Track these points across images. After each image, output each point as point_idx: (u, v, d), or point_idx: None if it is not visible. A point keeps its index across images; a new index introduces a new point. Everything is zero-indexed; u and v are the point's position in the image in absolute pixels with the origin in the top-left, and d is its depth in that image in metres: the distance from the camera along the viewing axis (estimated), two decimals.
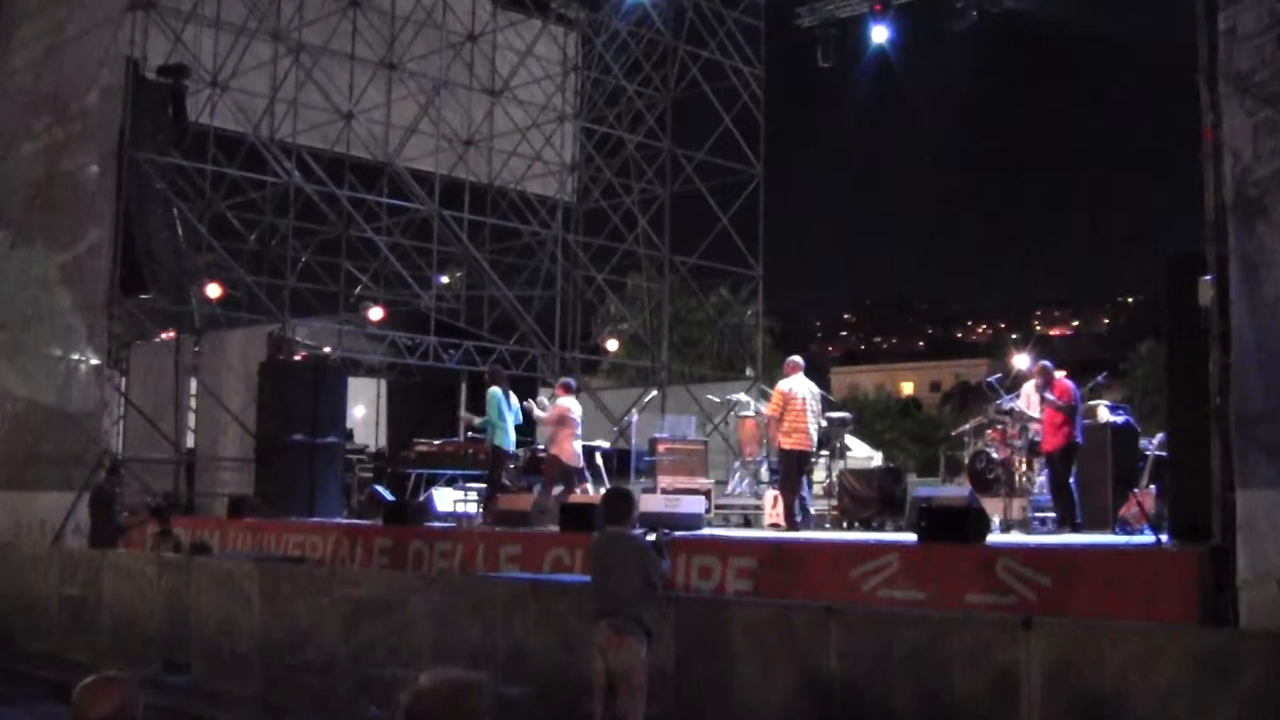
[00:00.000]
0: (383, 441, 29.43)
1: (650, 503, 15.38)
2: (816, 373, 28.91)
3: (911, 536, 11.90)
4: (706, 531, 15.31)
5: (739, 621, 9.54)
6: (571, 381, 19.74)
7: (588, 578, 10.31)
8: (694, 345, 45.37)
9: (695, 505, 15.81)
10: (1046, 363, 16.72)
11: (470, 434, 22.41)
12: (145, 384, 25.56)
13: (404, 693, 3.64)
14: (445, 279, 33.66)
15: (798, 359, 17.73)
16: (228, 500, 20.59)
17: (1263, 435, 9.01)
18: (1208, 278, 9.79)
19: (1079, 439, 15.66)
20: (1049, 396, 15.75)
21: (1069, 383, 16.00)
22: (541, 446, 19.46)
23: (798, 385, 16.85)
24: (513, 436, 18.83)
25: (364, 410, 29.96)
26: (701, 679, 9.71)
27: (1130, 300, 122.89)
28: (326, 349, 24.74)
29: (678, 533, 14.11)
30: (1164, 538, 11.17)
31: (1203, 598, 9.13)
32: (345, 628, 12.93)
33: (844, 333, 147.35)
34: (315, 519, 19.01)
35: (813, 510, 17.48)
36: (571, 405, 18.52)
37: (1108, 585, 9.65)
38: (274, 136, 25.71)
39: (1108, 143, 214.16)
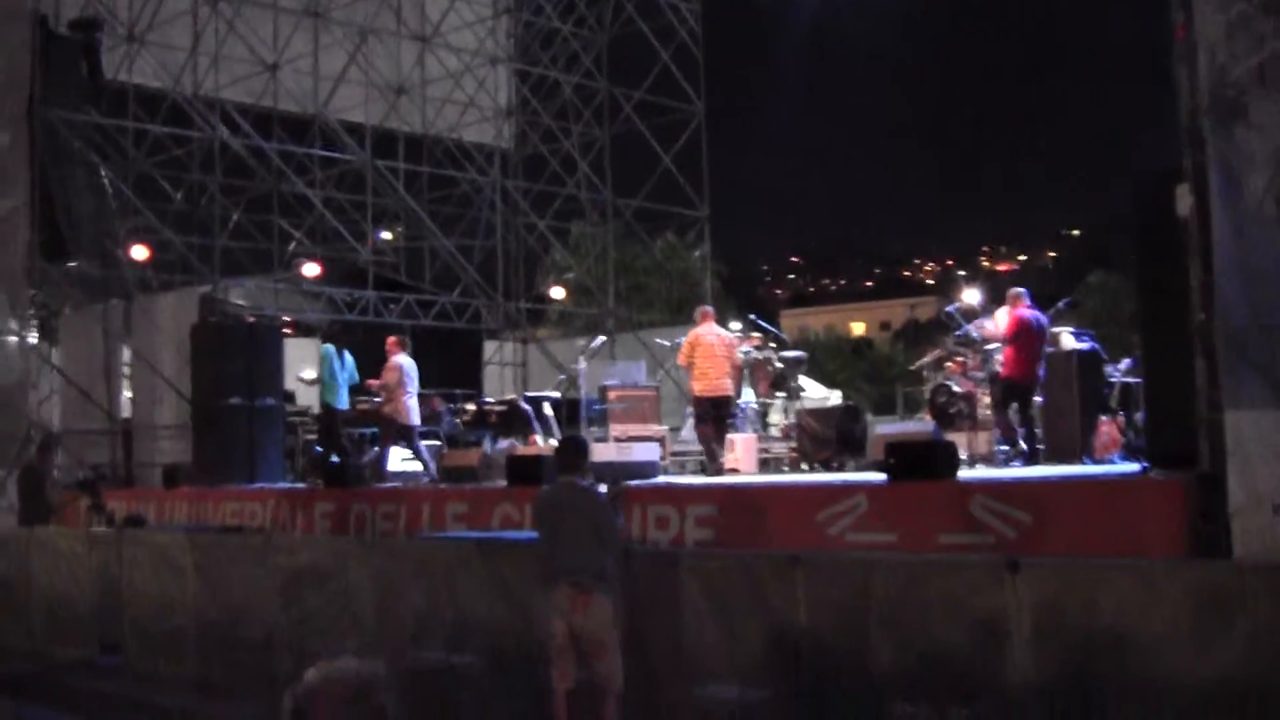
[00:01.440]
0: None
1: (602, 452, 14.71)
2: (767, 315, 28.38)
3: (875, 476, 11.27)
4: (662, 479, 14.63)
5: (697, 575, 8.85)
6: (405, 338, 19.41)
7: (535, 534, 9.65)
8: (642, 291, 44.66)
9: (649, 452, 15.14)
10: (1019, 289, 16.07)
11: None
12: (77, 354, 24.78)
13: (288, 692, 2.95)
14: (387, 234, 32.83)
15: (708, 307, 17.84)
16: (161, 470, 19.77)
17: (1252, 353, 8.38)
18: (1184, 186, 9.13)
19: (1018, 375, 15.20)
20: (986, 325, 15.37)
21: (1022, 313, 15.32)
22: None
23: (706, 332, 16.84)
24: (345, 396, 19.16)
25: (313, 373, 29.03)
26: (657, 639, 9.04)
27: (1075, 233, 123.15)
28: (263, 310, 23.83)
29: (632, 482, 13.53)
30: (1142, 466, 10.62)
31: (1190, 528, 8.56)
32: (284, 599, 12.19)
33: (791, 275, 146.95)
34: (255, 485, 18.18)
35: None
36: (404, 362, 18.29)
37: (1089, 519, 9.07)
38: (197, 92, 24.66)
39: (1053, 66, 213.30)
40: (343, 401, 19.12)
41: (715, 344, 16.77)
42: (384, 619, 11.13)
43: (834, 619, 8.13)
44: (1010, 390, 15.20)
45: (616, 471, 13.91)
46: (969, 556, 8.56)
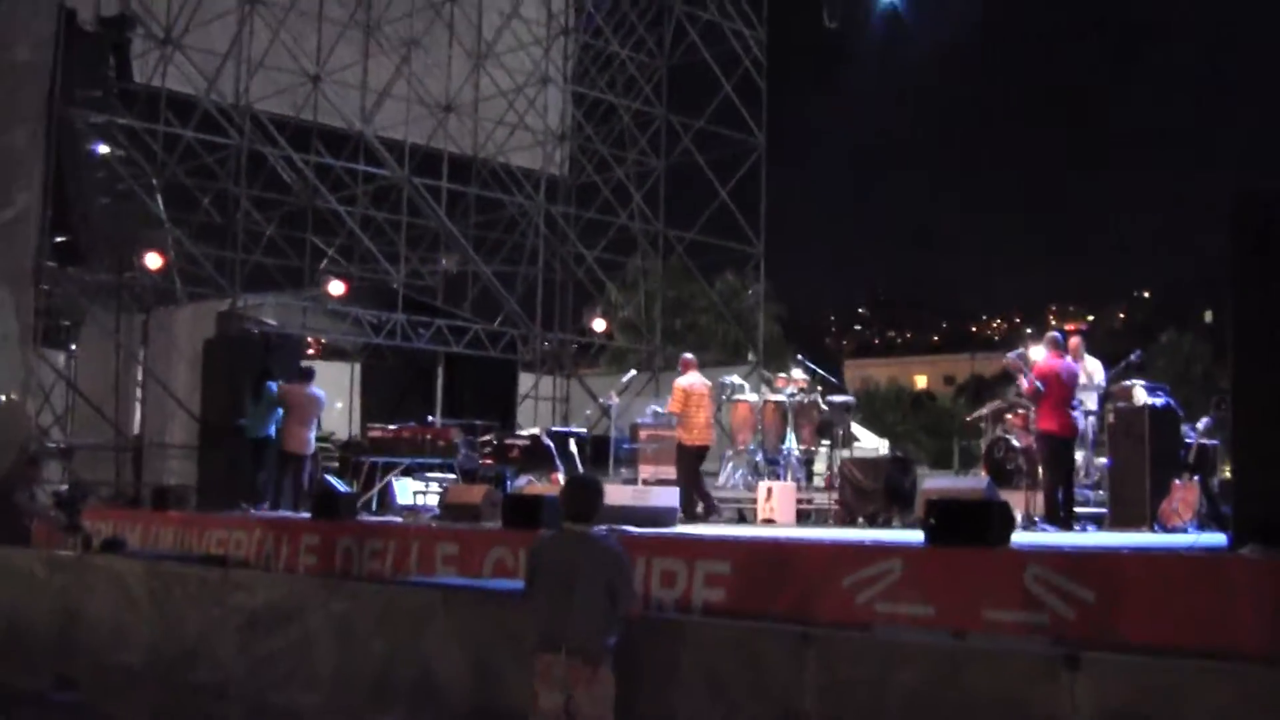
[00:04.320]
0: (356, 430, 27.37)
1: (616, 495, 13.21)
2: (830, 364, 27.07)
3: (916, 537, 9.72)
4: (678, 529, 13.13)
5: (691, 647, 7.36)
6: (311, 368, 19.34)
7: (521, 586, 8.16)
8: (697, 330, 43.33)
9: (668, 498, 13.59)
10: (1055, 334, 14.64)
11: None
12: (92, 366, 23.81)
13: None
14: (446, 261, 31.72)
15: (690, 356, 17.82)
16: (152, 491, 18.53)
17: None
18: None
19: (1056, 430, 13.82)
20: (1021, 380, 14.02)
21: (1057, 363, 13.93)
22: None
23: (696, 382, 16.85)
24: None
25: (341, 405, 27.83)
26: (645, 715, 7.55)
27: (1146, 295, 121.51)
28: (284, 329, 22.62)
29: (648, 530, 12.07)
30: (1225, 539, 9.06)
31: None
32: (240, 641, 10.83)
33: (858, 326, 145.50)
34: (248, 513, 16.82)
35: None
36: (297, 391, 18.18)
37: (1165, 601, 7.47)
38: (237, 103, 23.51)
39: (1135, 123, 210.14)
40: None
41: (706, 394, 16.86)
42: (343, 672, 9.72)
43: (849, 711, 6.62)
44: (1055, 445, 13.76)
45: (630, 518, 12.47)
46: (1015, 646, 6.97)
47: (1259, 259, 8.49)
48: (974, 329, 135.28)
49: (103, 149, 21.86)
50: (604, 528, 11.61)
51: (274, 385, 18.28)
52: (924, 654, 6.60)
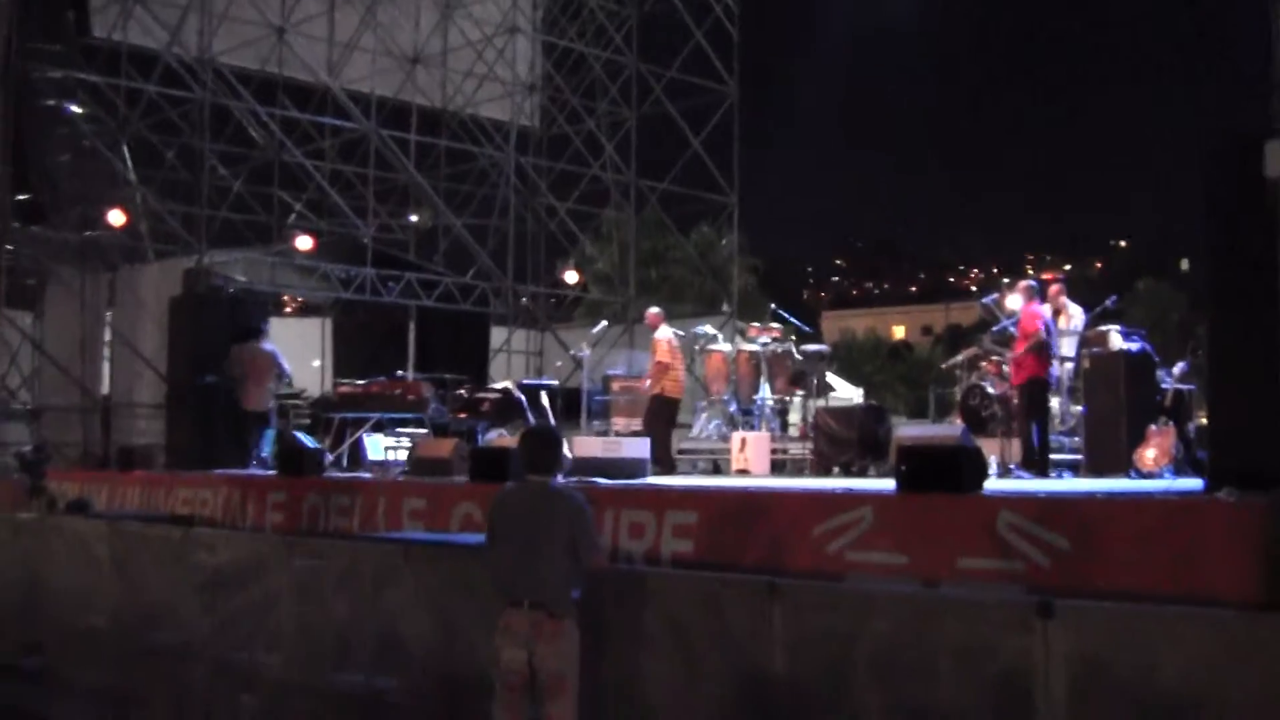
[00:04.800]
0: (329, 387, 27.08)
1: (587, 447, 13.02)
2: (808, 316, 26.86)
3: (889, 484, 9.53)
4: (648, 480, 12.93)
5: (656, 600, 7.16)
6: (261, 325, 19.27)
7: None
8: (670, 283, 43.08)
9: (639, 449, 13.38)
10: (1030, 282, 14.56)
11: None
12: (60, 327, 23.48)
13: None
14: (418, 218, 31.39)
15: (657, 309, 17.62)
16: (117, 451, 18.28)
17: None
18: (1276, 143, 7.39)
19: (1042, 375, 14.01)
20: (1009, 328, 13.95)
21: (1038, 309, 14.06)
22: None
23: (671, 334, 16.92)
24: None
25: (317, 363, 27.49)
26: (607, 676, 7.36)
27: (1123, 244, 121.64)
28: (252, 285, 22.31)
29: (618, 481, 11.89)
30: (1201, 484, 8.89)
31: (1271, 563, 6.80)
32: (203, 601, 10.64)
33: (836, 278, 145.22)
34: (212, 471, 16.59)
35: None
36: (250, 349, 18.33)
37: (1142, 548, 7.29)
38: (202, 56, 22.99)
39: (1110, 73, 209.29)
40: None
41: (680, 346, 17.02)
42: (305, 630, 9.53)
43: (818, 665, 6.44)
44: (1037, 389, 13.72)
45: (602, 470, 12.29)
46: (988, 595, 6.78)
47: (1234, 200, 8.29)
48: (951, 279, 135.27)
49: (65, 105, 21.45)
50: (575, 479, 11.49)
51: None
52: (895, 604, 6.42)
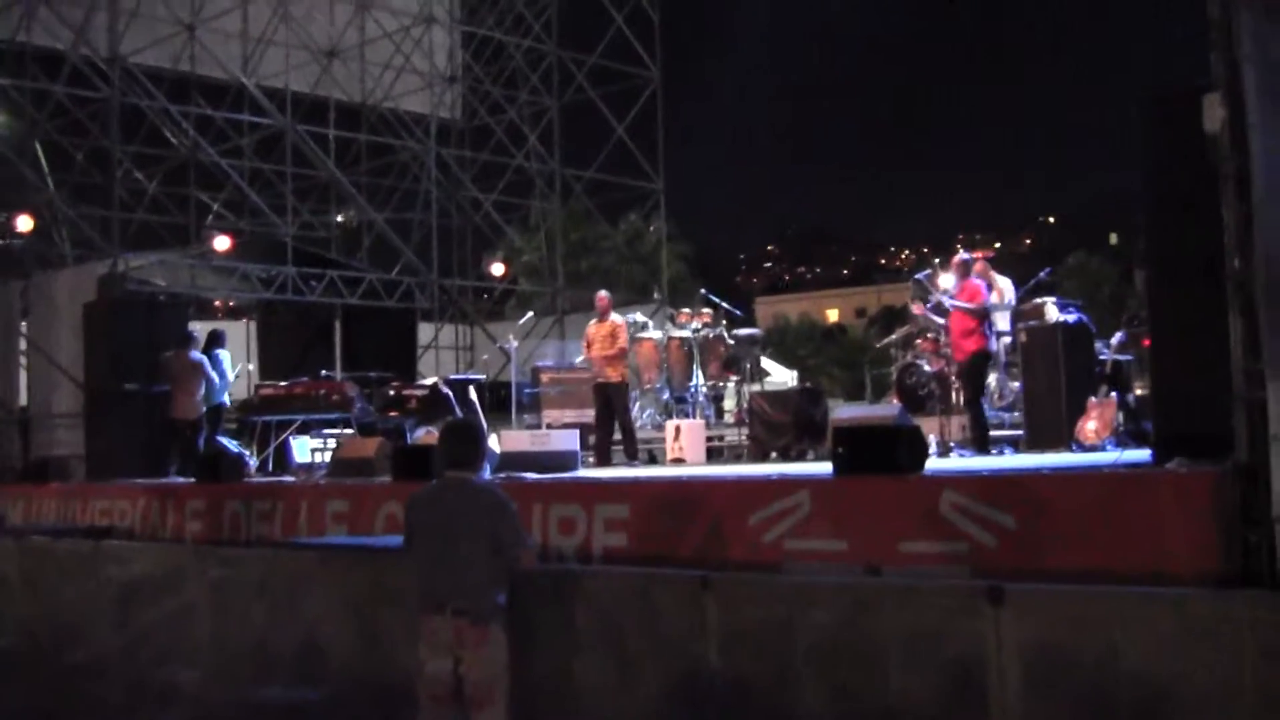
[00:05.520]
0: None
1: (515, 441, 12.63)
2: (741, 302, 26.58)
3: (826, 469, 9.17)
4: (581, 473, 12.55)
5: (586, 599, 6.79)
6: (190, 334, 18.48)
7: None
8: (600, 273, 42.78)
9: (569, 441, 12.97)
10: (965, 256, 14.35)
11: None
12: None
13: None
14: (342, 217, 30.90)
15: (604, 293, 16.87)
16: (31, 463, 17.72)
17: None
18: (1214, 95, 7.07)
19: (990, 348, 13.89)
20: (950, 300, 13.61)
21: (979, 282, 13.73)
22: None
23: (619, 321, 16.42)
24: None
25: (251, 366, 26.90)
26: (538, 679, 6.98)
27: (1051, 220, 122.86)
28: (171, 289, 21.74)
29: (548, 475, 11.47)
30: (1149, 454, 8.59)
31: (1227, 535, 6.49)
32: (116, 617, 10.18)
33: (768, 264, 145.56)
34: (130, 481, 16.03)
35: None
36: (179, 357, 17.71)
37: (1092, 524, 6.96)
38: (114, 56, 22.29)
39: (1029, 55, 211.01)
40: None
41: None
42: (222, 644, 9.09)
43: (755, 660, 6.09)
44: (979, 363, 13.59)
45: (531, 464, 11.88)
46: (933, 581, 6.43)
47: (1173, 156, 7.99)
48: (883, 261, 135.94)
49: None
50: (503, 475, 11.07)
51: (220, 355, 18.25)
52: (834, 593, 6.09)
